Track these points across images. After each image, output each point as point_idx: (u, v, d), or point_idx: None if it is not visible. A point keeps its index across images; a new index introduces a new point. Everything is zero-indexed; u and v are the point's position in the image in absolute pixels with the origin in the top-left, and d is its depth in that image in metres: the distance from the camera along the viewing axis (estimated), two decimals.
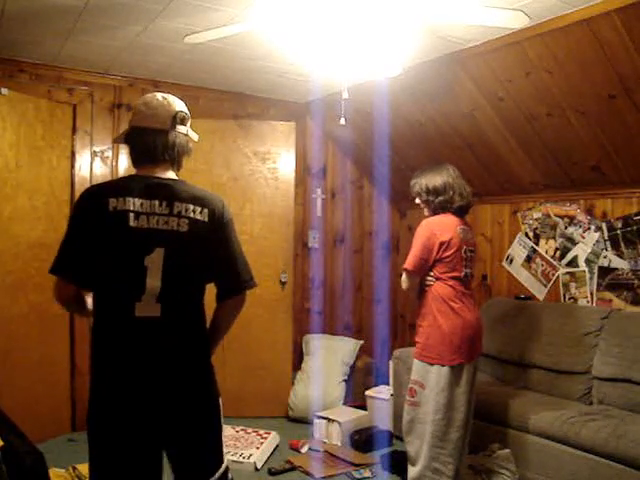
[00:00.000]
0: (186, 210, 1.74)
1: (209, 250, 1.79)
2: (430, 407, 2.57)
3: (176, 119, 1.80)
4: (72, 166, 3.76)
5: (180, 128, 1.82)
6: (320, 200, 4.69)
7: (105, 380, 1.69)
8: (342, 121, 3.12)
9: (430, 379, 2.59)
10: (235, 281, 1.86)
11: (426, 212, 2.80)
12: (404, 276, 2.69)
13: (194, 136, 1.89)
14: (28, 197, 3.48)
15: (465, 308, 2.64)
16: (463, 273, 2.67)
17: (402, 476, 2.92)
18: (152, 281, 1.68)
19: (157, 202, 1.71)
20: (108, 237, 1.67)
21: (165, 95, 1.84)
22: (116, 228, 1.66)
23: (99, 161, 3.87)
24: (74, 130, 3.77)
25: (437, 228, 2.65)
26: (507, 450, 2.93)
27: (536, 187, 3.83)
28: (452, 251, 2.62)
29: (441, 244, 2.61)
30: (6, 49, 3.39)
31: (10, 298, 3.38)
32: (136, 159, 1.82)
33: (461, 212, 2.76)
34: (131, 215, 1.67)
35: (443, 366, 2.56)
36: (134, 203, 1.68)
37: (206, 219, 1.77)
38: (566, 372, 3.24)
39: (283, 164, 4.22)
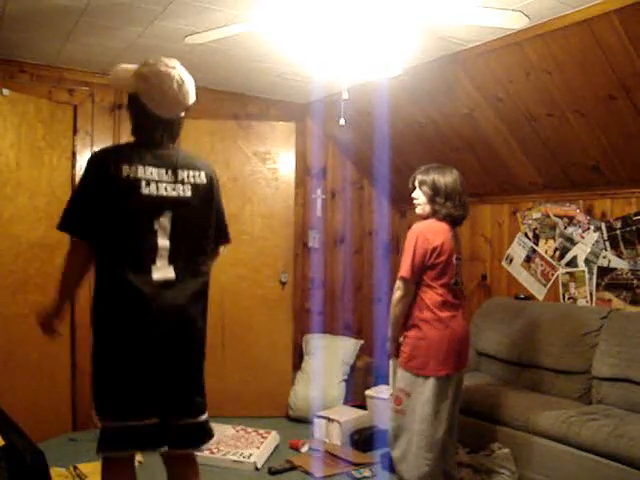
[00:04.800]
0: (187, 177, 1.91)
1: (208, 208, 1.99)
2: (415, 417, 2.52)
3: (187, 110, 1.93)
4: (73, 166, 3.76)
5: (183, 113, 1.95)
6: (320, 200, 4.69)
7: (122, 339, 1.82)
8: (342, 122, 3.12)
9: (415, 389, 2.53)
10: (221, 234, 2.11)
11: (419, 210, 2.68)
12: (399, 284, 2.58)
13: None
14: (28, 197, 3.48)
15: (453, 318, 2.57)
16: (453, 280, 2.59)
17: None
18: (162, 242, 1.85)
19: (164, 170, 1.86)
20: (121, 203, 1.80)
21: (181, 80, 1.88)
22: (129, 195, 1.80)
23: None
24: (75, 130, 3.77)
25: (429, 233, 2.55)
26: (507, 450, 2.94)
27: (535, 187, 3.83)
28: (444, 257, 2.54)
29: (433, 249, 2.53)
30: (7, 50, 3.40)
31: (10, 298, 3.39)
32: (140, 135, 1.92)
33: (455, 222, 2.65)
34: (143, 183, 1.81)
35: (428, 377, 2.51)
36: (145, 171, 1.82)
37: (205, 181, 1.96)
38: (566, 372, 3.24)
39: (283, 164, 4.23)
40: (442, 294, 2.56)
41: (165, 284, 1.84)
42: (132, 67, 1.92)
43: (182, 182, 1.89)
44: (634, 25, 2.52)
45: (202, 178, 1.95)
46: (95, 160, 1.85)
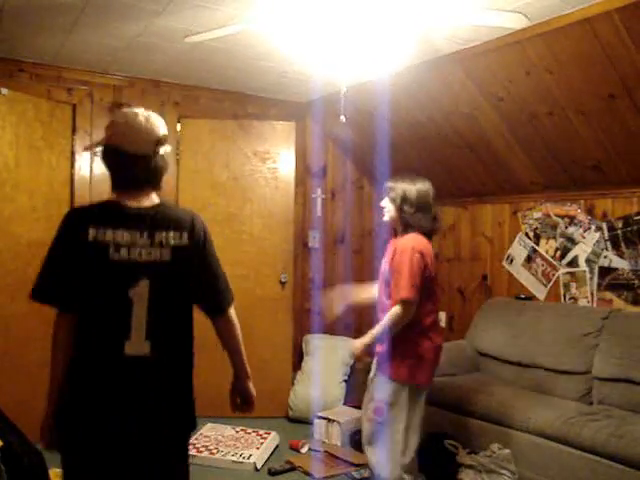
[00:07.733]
0: (166, 239, 1.70)
1: (192, 273, 1.76)
2: (395, 425, 2.52)
3: (159, 144, 1.73)
4: (72, 166, 3.76)
5: (161, 150, 1.74)
6: (320, 200, 4.68)
7: (87, 415, 1.65)
8: (342, 118, 3.11)
9: (399, 398, 2.52)
10: (217, 301, 1.85)
11: (386, 217, 2.66)
12: (399, 309, 2.45)
13: (168, 149, 1.80)
14: (28, 197, 3.48)
15: (437, 326, 2.64)
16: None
17: None
18: (139, 313, 1.65)
19: (138, 233, 1.67)
20: (88, 268, 1.64)
21: (147, 114, 1.73)
22: (96, 260, 1.63)
23: (99, 161, 3.85)
24: (74, 130, 3.76)
25: (424, 249, 2.52)
26: (507, 450, 2.93)
27: (536, 187, 3.82)
28: (432, 272, 2.55)
29: (426, 265, 2.51)
30: (5, 49, 3.39)
31: (10, 298, 3.38)
32: (116, 184, 1.75)
33: (429, 235, 2.63)
34: (111, 248, 1.64)
35: (412, 386, 2.51)
36: (114, 235, 1.64)
37: (187, 242, 1.73)
38: (566, 372, 3.24)
39: (283, 164, 4.22)
40: (432, 309, 2.59)
41: (138, 361, 1.64)
42: None
43: (160, 245, 1.68)
44: (635, 24, 2.51)
45: (184, 239, 1.72)
46: (64, 220, 1.70)
